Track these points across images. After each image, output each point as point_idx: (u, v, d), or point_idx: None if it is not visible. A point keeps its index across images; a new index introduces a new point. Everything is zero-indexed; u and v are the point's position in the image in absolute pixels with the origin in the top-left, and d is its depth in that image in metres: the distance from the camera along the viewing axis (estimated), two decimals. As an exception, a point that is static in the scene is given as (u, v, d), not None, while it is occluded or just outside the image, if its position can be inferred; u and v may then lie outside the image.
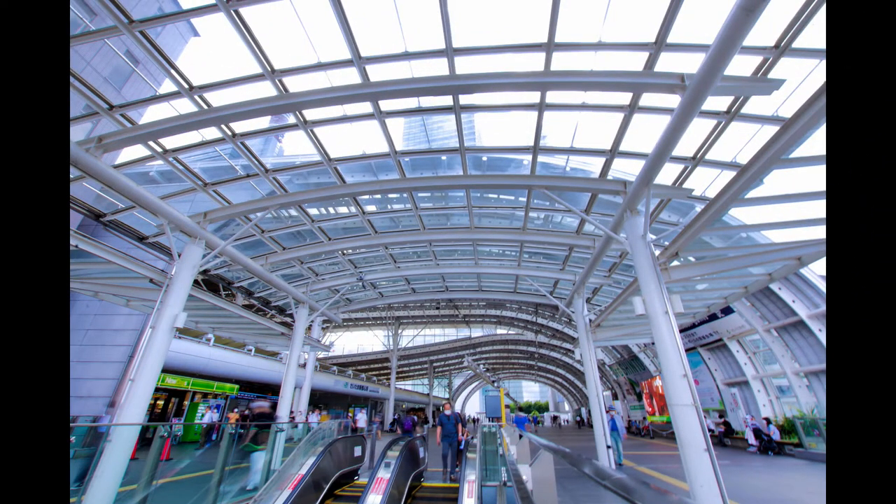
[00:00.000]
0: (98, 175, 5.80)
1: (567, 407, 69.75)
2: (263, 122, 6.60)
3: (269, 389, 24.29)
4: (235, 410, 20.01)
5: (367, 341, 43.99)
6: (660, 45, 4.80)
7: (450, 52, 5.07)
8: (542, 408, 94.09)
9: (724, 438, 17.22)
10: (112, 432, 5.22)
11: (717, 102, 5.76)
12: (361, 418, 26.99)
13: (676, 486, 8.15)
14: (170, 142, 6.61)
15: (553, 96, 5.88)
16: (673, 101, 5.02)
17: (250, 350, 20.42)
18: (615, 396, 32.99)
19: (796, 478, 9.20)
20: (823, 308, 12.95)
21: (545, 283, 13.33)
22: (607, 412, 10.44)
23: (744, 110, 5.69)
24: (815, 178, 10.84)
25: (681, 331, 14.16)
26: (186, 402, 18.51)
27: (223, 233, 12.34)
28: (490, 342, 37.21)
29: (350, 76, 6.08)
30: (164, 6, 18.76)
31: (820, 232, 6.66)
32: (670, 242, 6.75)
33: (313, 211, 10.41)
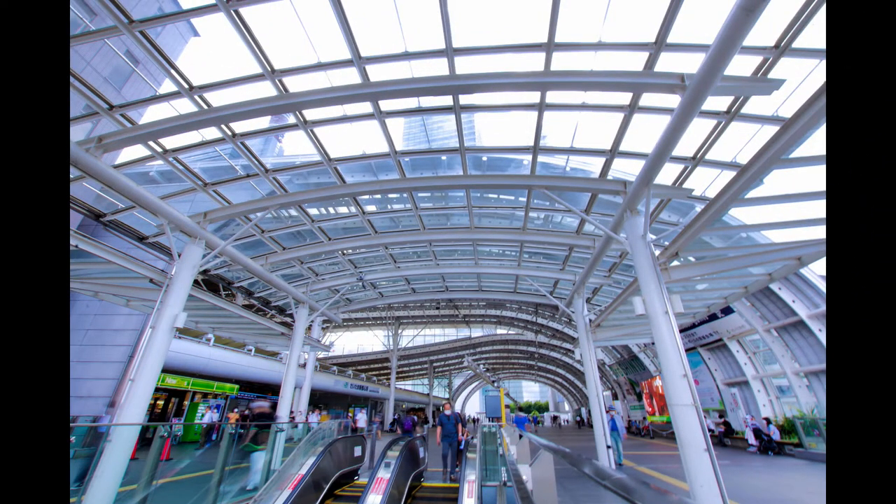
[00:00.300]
0: (98, 175, 5.80)
1: (567, 407, 69.75)
2: (263, 122, 6.60)
3: (269, 389, 24.29)
4: (235, 410, 20.01)
5: (367, 341, 44.03)
6: (660, 45, 4.80)
7: (450, 52, 5.07)
8: (542, 408, 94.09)
9: (724, 438, 17.22)
10: (112, 432, 5.22)
11: (717, 102, 5.76)
12: (361, 418, 26.99)
13: (676, 486, 8.15)
14: (170, 142, 6.61)
15: (553, 96, 5.88)
16: (673, 101, 5.02)
17: (250, 350, 20.43)
18: (615, 396, 32.99)
19: (796, 478, 9.20)
20: (823, 308, 12.95)
21: (545, 283, 13.33)
22: (607, 412, 10.44)
23: (744, 110, 5.69)
24: (815, 178, 10.84)
25: (681, 331, 14.16)
26: (186, 402, 18.51)
27: (223, 233, 12.34)
28: (490, 342, 37.20)
29: (350, 76, 6.08)
30: (164, 6, 18.76)
31: (820, 232, 6.66)
32: (670, 242, 6.75)
33: (313, 211, 10.41)
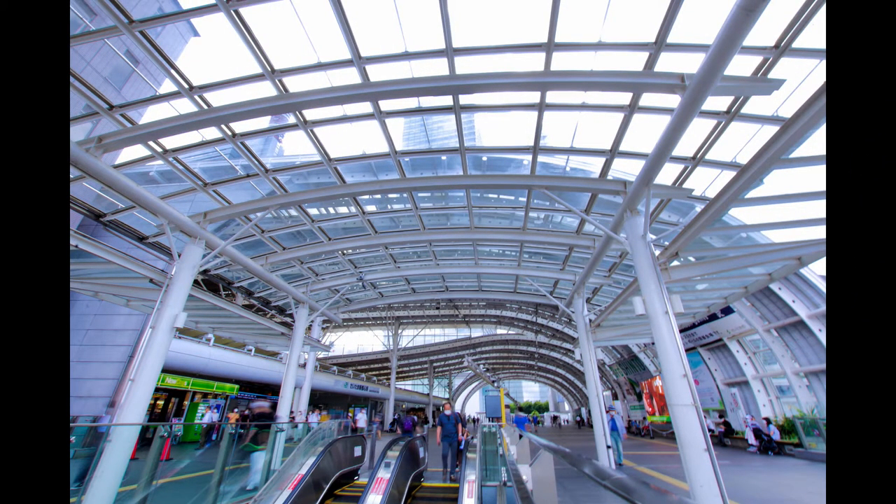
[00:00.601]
0: (98, 175, 5.80)
1: (567, 407, 69.74)
2: (263, 122, 6.60)
3: (269, 389, 24.29)
4: (235, 410, 20.01)
5: (367, 341, 44.01)
6: (660, 45, 4.80)
7: (450, 52, 5.07)
8: (542, 408, 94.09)
9: (724, 438, 17.22)
10: (112, 432, 5.21)
11: (717, 102, 5.76)
12: (361, 418, 26.98)
13: (676, 486, 8.15)
14: (170, 142, 6.61)
15: (553, 96, 5.88)
16: (673, 101, 5.02)
17: (250, 350, 20.43)
18: (615, 396, 32.99)
19: (796, 478, 9.20)
20: (823, 308, 12.95)
21: (545, 283, 13.33)
22: (607, 412, 10.44)
23: (744, 110, 5.69)
24: (815, 178, 10.84)
25: (681, 331, 14.16)
26: (186, 402, 18.51)
27: (223, 233, 12.35)
28: (490, 342, 37.20)
29: (350, 76, 6.09)
30: (164, 6, 18.76)
31: (820, 232, 6.66)
32: (670, 242, 6.75)
33: (313, 211, 10.41)
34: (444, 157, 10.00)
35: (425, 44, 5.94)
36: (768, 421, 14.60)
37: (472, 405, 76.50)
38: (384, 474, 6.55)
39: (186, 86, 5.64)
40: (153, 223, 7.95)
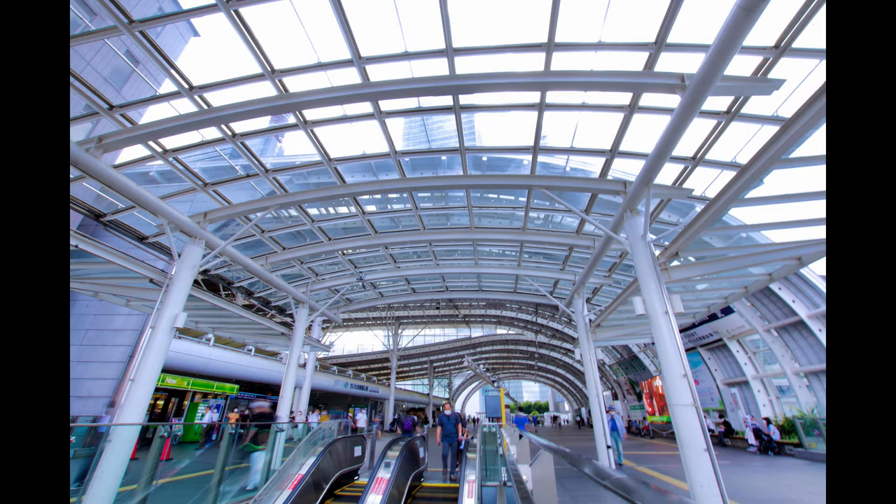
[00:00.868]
0: (98, 175, 5.80)
1: (567, 407, 69.74)
2: (263, 122, 6.60)
3: (269, 389, 24.29)
4: (235, 410, 20.01)
5: (367, 341, 44.01)
6: (660, 45, 4.80)
7: (450, 52, 5.07)
8: (542, 408, 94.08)
9: (724, 438, 17.22)
10: (112, 432, 5.21)
11: (717, 102, 5.76)
12: (361, 418, 26.98)
13: (676, 486, 8.15)
14: (170, 142, 6.61)
15: (553, 96, 5.88)
16: (673, 101, 5.02)
17: (250, 350, 20.42)
18: (615, 396, 32.99)
19: (796, 478, 9.20)
20: (823, 308, 12.95)
21: (545, 283, 13.33)
22: (607, 412, 10.44)
23: (744, 110, 5.69)
24: (815, 178, 10.84)
25: (681, 331, 14.16)
26: (186, 402, 18.51)
27: (223, 233, 12.35)
28: (490, 342, 37.20)
29: (350, 76, 6.09)
30: (164, 6, 18.76)
31: (820, 232, 6.66)
32: (670, 242, 6.75)
33: (313, 211, 10.41)
34: (444, 157, 10.00)
35: (425, 44, 5.94)
36: (768, 421, 14.60)
37: (472, 405, 76.49)
38: (384, 474, 6.55)
39: (186, 86, 5.63)
40: (153, 223, 7.95)
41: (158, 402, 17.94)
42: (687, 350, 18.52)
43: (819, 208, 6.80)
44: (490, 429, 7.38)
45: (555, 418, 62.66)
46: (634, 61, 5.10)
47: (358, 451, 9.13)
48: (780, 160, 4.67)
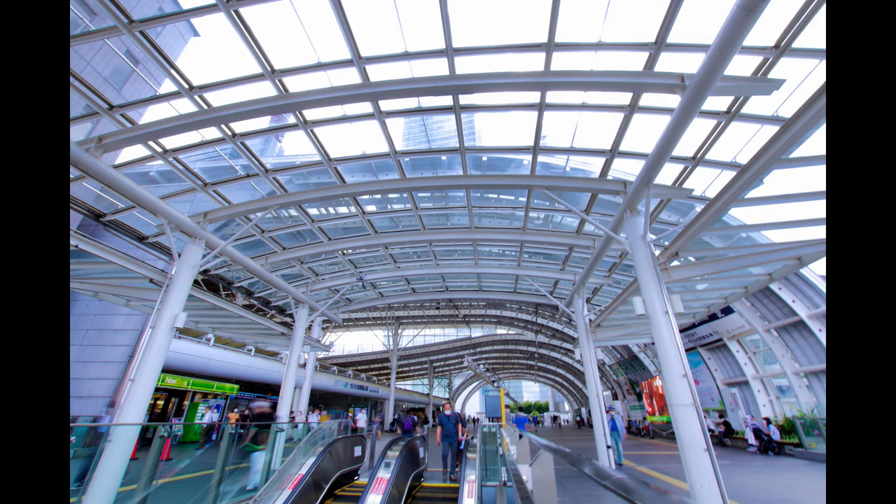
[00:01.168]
0: (98, 175, 5.80)
1: (567, 407, 69.73)
2: (263, 122, 6.60)
3: (269, 389, 24.29)
4: (235, 410, 20.01)
5: (367, 341, 43.99)
6: (660, 45, 4.80)
7: (450, 52, 5.07)
8: (542, 408, 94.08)
9: (724, 438, 17.22)
10: (112, 432, 5.22)
11: (717, 102, 5.76)
12: (361, 418, 26.97)
13: (676, 486, 8.15)
14: (170, 142, 6.61)
15: (553, 96, 5.88)
16: (673, 101, 5.02)
17: (250, 350, 20.42)
18: (615, 396, 32.99)
19: (796, 478, 9.20)
20: (823, 308, 12.95)
21: (545, 283, 13.33)
22: (607, 412, 10.44)
23: (744, 110, 5.69)
24: (815, 178, 10.84)
25: (681, 331, 14.16)
26: (186, 402, 18.51)
27: (223, 233, 12.34)
28: (490, 342, 37.20)
29: (350, 76, 6.08)
30: (164, 6, 18.76)
31: (820, 232, 6.66)
32: (670, 242, 6.75)
33: (313, 211, 10.41)
34: (444, 157, 9.99)
35: (425, 44, 5.93)
36: (768, 421, 14.60)
37: (472, 405, 76.49)
38: (384, 474, 6.55)
39: (186, 86, 5.63)
40: (153, 223, 7.95)
41: (158, 402, 17.94)
42: (687, 350, 18.53)
43: (819, 208, 6.80)
44: (490, 429, 7.39)
45: (555, 418, 62.66)
46: (634, 61, 5.10)
47: (358, 451, 9.13)
48: (780, 160, 4.67)
